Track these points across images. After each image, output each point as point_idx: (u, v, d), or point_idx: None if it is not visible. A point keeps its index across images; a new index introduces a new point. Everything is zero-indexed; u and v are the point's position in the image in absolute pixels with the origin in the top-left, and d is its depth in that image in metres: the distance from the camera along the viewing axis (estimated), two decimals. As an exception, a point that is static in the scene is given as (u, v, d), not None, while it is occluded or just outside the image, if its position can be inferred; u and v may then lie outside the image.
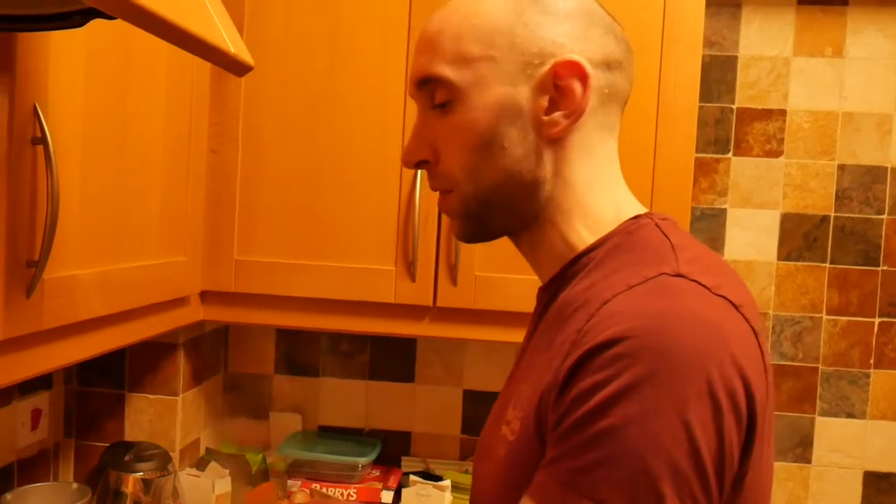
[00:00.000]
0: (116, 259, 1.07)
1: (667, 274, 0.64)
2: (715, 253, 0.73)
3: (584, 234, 0.72)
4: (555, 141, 0.71)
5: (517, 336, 1.43)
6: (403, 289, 1.36)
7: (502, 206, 0.73)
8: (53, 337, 0.94)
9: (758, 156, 1.71)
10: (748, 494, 0.63)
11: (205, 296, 1.40)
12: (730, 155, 1.71)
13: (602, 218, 0.72)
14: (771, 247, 1.71)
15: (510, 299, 1.34)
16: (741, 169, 1.72)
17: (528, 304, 1.33)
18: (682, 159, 1.35)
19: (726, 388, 0.58)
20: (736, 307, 0.63)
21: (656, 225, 0.71)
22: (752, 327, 0.64)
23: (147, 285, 1.16)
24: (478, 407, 1.69)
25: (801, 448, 1.70)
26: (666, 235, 0.69)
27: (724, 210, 1.72)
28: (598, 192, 0.73)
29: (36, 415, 1.40)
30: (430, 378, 1.71)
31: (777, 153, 1.71)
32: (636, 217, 0.72)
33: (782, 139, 1.71)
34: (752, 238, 1.71)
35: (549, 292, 0.75)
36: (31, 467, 1.41)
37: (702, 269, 0.65)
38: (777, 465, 1.71)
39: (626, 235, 0.70)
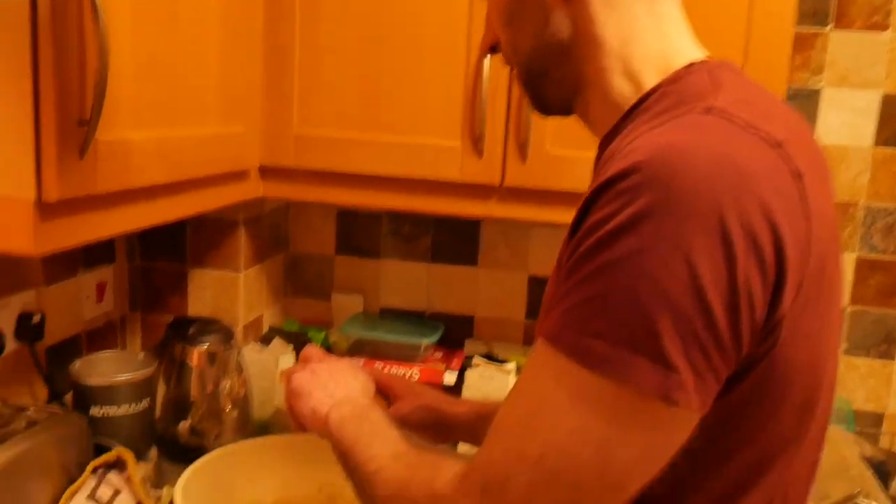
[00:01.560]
0: (172, 125, 1.03)
1: (696, 111, 0.60)
2: (776, 99, 0.67)
3: (626, 92, 0.69)
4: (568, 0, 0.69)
5: (589, 217, 1.37)
6: (470, 166, 1.29)
7: (542, 74, 0.74)
8: (110, 203, 0.91)
9: (860, 29, 1.55)
10: (787, 355, 0.59)
11: (264, 171, 1.36)
12: (828, 29, 1.56)
13: (646, 71, 0.68)
14: (867, 131, 1.57)
15: (583, 178, 1.26)
16: (840, 44, 1.56)
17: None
18: (780, 33, 1.22)
19: (744, 228, 0.54)
20: (773, 145, 0.58)
21: (709, 71, 0.66)
22: (791, 167, 0.58)
23: (204, 155, 1.12)
24: (543, 292, 1.64)
25: (887, 345, 1.61)
26: (715, 78, 0.64)
27: (819, 90, 1.58)
28: (639, 45, 0.68)
29: (101, 288, 1.41)
30: (494, 262, 1.66)
31: (882, 26, 1.54)
32: (689, 65, 0.67)
33: (889, 11, 1.54)
34: (847, 120, 1.58)
35: (601, 149, 0.73)
36: (99, 339, 1.43)
37: (739, 107, 0.60)
38: (859, 360, 1.63)
39: (672, 84, 0.66)
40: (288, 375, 0.92)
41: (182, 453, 1.35)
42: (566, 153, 1.27)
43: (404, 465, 0.70)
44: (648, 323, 0.54)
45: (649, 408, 0.56)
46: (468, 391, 1.50)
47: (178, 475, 1.08)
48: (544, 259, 1.64)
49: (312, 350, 0.97)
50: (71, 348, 1.35)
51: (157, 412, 1.38)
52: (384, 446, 0.74)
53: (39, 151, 0.79)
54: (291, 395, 0.89)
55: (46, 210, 0.81)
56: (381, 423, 0.78)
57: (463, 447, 1.14)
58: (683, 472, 0.60)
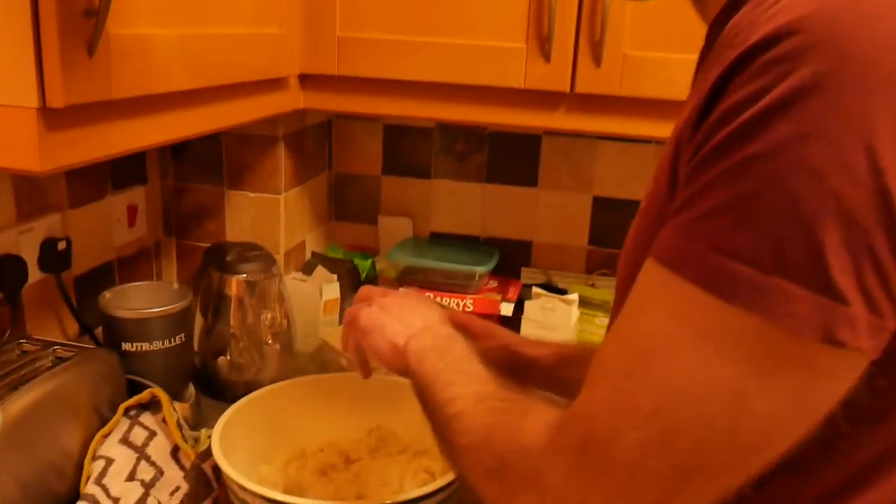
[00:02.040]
0: (200, 22, 0.89)
1: None
2: None
3: None
4: None
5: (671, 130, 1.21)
6: (535, 71, 1.13)
7: None
8: (128, 111, 0.78)
9: None
10: None
11: (305, 80, 1.22)
12: None
13: None
14: None
15: (666, 84, 1.10)
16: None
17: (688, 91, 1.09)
18: None
19: None
20: None
21: None
22: None
23: (236, 58, 0.98)
24: (609, 216, 1.50)
25: None
26: None
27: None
28: None
29: (132, 211, 1.30)
30: (555, 182, 1.51)
31: None
32: None
33: None
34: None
35: (714, 31, 0.55)
36: (132, 266, 1.33)
37: None
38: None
39: None
40: (353, 314, 0.80)
41: (221, 390, 1.26)
42: (647, 55, 1.10)
43: (488, 409, 0.58)
44: (809, 236, 0.41)
45: (805, 350, 0.42)
46: (527, 325, 1.37)
47: (217, 414, 0.99)
48: (611, 179, 1.48)
49: (369, 289, 0.85)
50: (101, 278, 1.25)
51: (195, 346, 1.29)
52: (467, 384, 0.62)
53: (40, 48, 0.66)
54: (362, 332, 0.78)
55: (52, 118, 0.69)
56: (466, 357, 0.67)
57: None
58: (834, 434, 0.47)
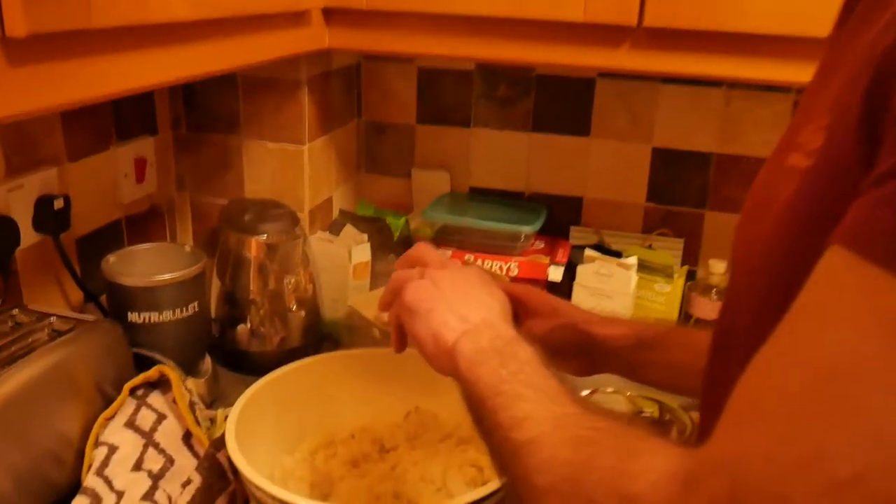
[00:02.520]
0: (201, -63, 0.74)
1: None
2: None
3: None
4: None
5: (758, 70, 1.04)
6: (596, 2, 0.97)
7: None
8: (115, 44, 0.65)
9: None
10: None
11: (330, 15, 1.07)
12: None
13: None
14: None
15: (754, 17, 0.93)
16: None
17: (783, 23, 0.92)
18: None
19: None
20: None
21: None
22: None
23: (249, -15, 0.84)
24: (670, 169, 1.34)
25: None
26: None
27: None
28: None
29: (140, 164, 1.17)
30: (610, 131, 1.35)
31: None
32: None
33: None
34: None
35: None
36: (143, 226, 1.21)
37: None
38: None
39: None
40: (399, 282, 0.66)
41: (241, 362, 1.15)
42: (730, -21, 0.93)
43: (572, 439, 0.45)
44: None
45: None
46: (579, 291, 1.23)
47: (237, 389, 0.87)
48: (674, 128, 1.32)
49: (427, 250, 0.71)
50: (108, 239, 1.13)
51: (212, 313, 1.17)
52: (539, 403, 0.49)
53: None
54: (405, 310, 0.64)
55: (15, 51, 0.55)
56: (534, 367, 0.54)
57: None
58: None
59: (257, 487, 0.70)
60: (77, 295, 1.07)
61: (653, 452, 0.40)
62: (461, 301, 0.61)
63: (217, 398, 1.06)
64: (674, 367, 0.74)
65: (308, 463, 0.84)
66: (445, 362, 0.58)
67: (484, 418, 0.52)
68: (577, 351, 0.77)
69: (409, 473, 0.82)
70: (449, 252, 1.31)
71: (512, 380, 0.52)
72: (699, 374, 0.70)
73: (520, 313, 0.79)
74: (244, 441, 0.78)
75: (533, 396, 0.49)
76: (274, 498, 0.68)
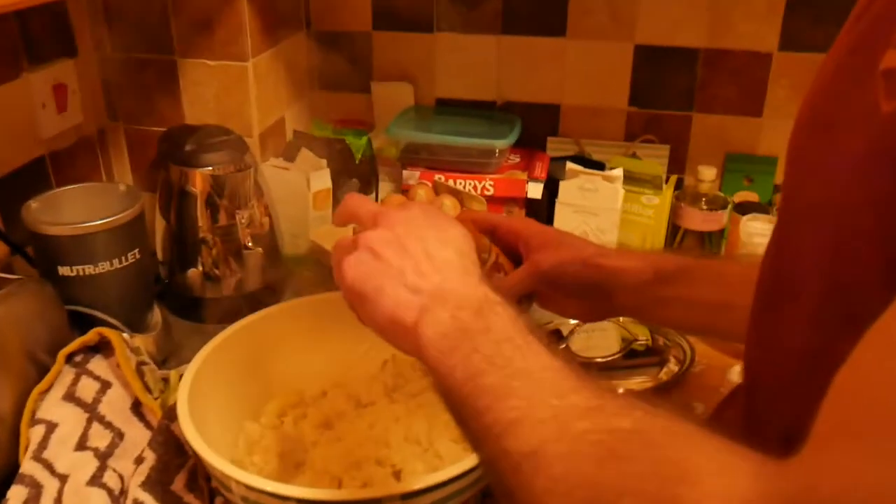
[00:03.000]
0: None
1: None
2: None
3: None
4: None
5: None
6: None
7: None
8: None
9: None
10: None
11: None
12: None
13: None
14: None
15: None
16: None
17: None
18: None
19: None
20: None
21: None
22: None
23: None
24: (654, 69, 1.22)
25: None
26: None
27: None
28: None
29: (60, 91, 1.02)
30: (588, 29, 1.22)
31: None
32: None
33: None
34: None
35: None
36: (72, 163, 1.07)
37: None
38: None
39: None
40: (337, 259, 0.52)
41: (195, 310, 1.04)
42: None
43: (592, 447, 0.35)
44: None
45: None
46: (563, 210, 1.13)
47: (194, 342, 0.77)
48: (659, 21, 1.19)
49: (356, 204, 0.56)
50: (31, 181, 0.99)
51: (159, 256, 1.05)
52: (534, 398, 0.39)
53: None
54: (352, 296, 0.51)
55: None
56: (516, 344, 0.42)
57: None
58: None
59: (215, 469, 0.60)
60: (0, 248, 0.94)
61: (713, 472, 0.30)
62: (411, 265, 0.48)
63: (171, 353, 0.96)
64: (698, 305, 0.65)
65: (276, 429, 0.75)
66: (411, 346, 0.46)
67: (467, 421, 0.41)
68: (586, 289, 0.67)
69: (390, 433, 0.73)
70: (416, 173, 1.19)
71: (491, 368, 0.41)
72: (729, 312, 0.62)
73: (522, 249, 0.69)
74: (200, 410, 0.68)
75: (522, 388, 0.39)
76: (235, 481, 0.59)
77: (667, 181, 1.17)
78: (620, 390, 0.87)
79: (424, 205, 0.54)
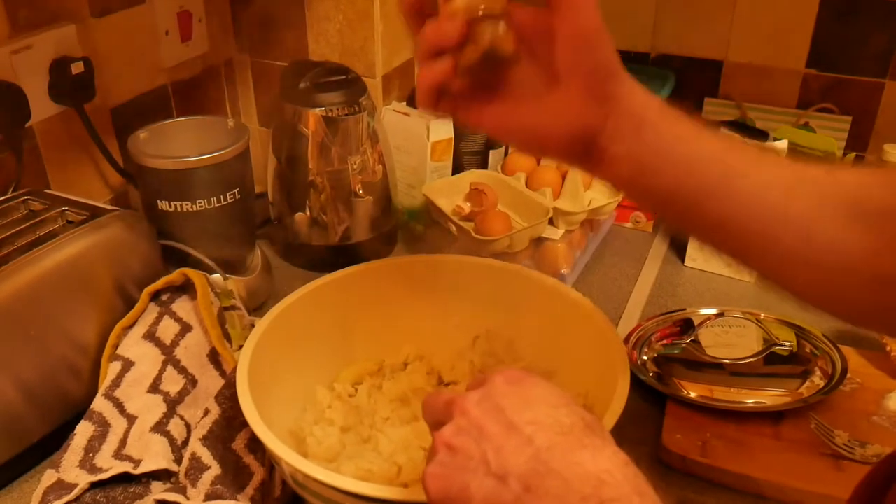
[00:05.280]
0: None
1: None
2: None
3: None
4: None
5: None
6: None
7: None
8: None
9: None
10: None
11: None
12: None
13: None
14: None
15: None
16: None
17: None
18: None
19: None
20: None
21: None
22: None
23: None
24: (843, 23, 1.04)
25: None
26: None
27: None
28: None
29: (185, 19, 1.00)
30: (766, -26, 1.05)
31: None
32: None
33: None
34: None
35: None
36: (195, 94, 1.05)
37: None
38: None
39: None
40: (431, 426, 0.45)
41: (300, 255, 1.00)
42: None
43: None
44: None
45: None
46: (711, 180, 0.99)
47: (295, 285, 0.72)
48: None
49: (432, 398, 0.46)
50: (152, 110, 0.98)
51: (269, 196, 1.02)
52: None
53: None
54: (429, 495, 0.41)
55: None
56: None
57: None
58: None
59: (264, 443, 0.55)
60: (115, 177, 0.94)
61: None
62: (492, 448, 0.39)
63: (270, 298, 0.92)
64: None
65: (347, 399, 0.69)
66: None
67: None
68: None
69: (468, 418, 0.65)
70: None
71: None
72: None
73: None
74: (268, 368, 0.64)
75: None
76: (284, 461, 0.53)
77: (843, 159, 1.00)
78: (751, 402, 0.75)
79: (505, 373, 0.44)
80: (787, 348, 0.82)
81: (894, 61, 1.02)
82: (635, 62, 1.16)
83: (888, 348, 0.79)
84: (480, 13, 0.47)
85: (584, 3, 0.46)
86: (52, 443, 0.69)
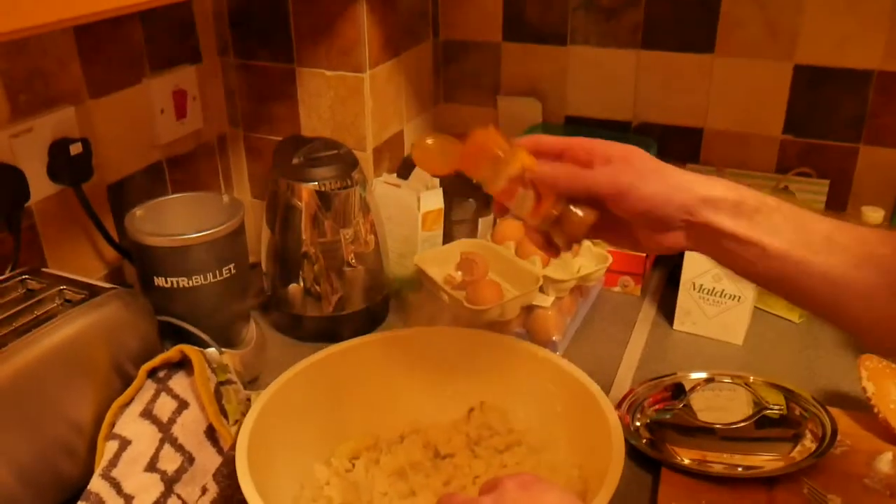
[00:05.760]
0: None
1: None
2: None
3: None
4: None
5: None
6: None
7: None
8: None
9: None
10: None
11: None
12: None
13: None
14: None
15: None
16: None
17: None
18: None
19: None
20: None
21: None
22: None
23: None
24: (817, 92, 1.08)
25: None
26: None
27: None
28: None
29: (180, 98, 1.02)
30: (740, 46, 1.09)
31: None
32: None
33: None
34: None
35: None
36: (190, 169, 1.08)
37: None
38: None
39: None
40: None
41: (295, 326, 1.01)
42: None
43: None
44: None
45: None
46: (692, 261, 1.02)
47: (290, 359, 0.73)
48: (826, 37, 1.05)
49: (447, 499, 0.51)
50: (147, 186, 1.00)
51: (263, 268, 1.03)
52: None
53: None
54: None
55: None
56: None
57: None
58: None
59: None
60: (111, 253, 0.95)
61: None
62: None
63: (264, 371, 0.93)
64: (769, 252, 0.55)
65: (344, 474, 0.70)
66: None
67: None
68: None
69: (466, 491, 0.66)
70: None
71: None
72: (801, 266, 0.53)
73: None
74: (266, 444, 0.64)
75: None
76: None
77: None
78: (741, 468, 0.75)
79: (518, 477, 0.47)
80: (777, 411, 0.83)
81: (867, 127, 1.06)
82: (618, 130, 1.20)
83: (875, 409, 0.80)
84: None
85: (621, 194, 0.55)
86: (48, 526, 0.69)
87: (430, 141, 0.65)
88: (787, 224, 0.54)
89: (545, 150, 0.60)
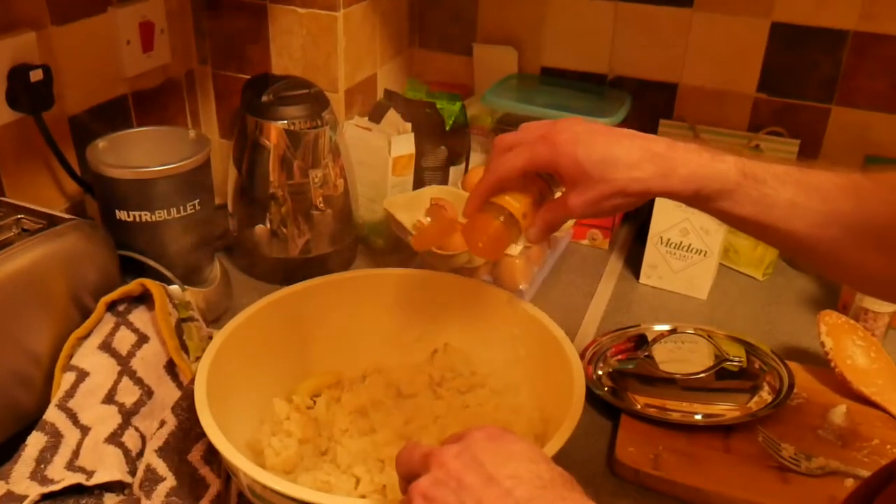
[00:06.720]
0: None
1: None
2: None
3: None
4: None
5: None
6: None
7: None
8: None
9: None
10: None
11: None
12: None
13: None
14: None
15: None
16: None
17: None
18: None
19: None
20: None
21: None
22: None
23: None
24: (792, 51, 1.07)
25: None
26: None
27: None
28: None
29: (146, 29, 0.99)
30: (719, 1, 1.08)
31: None
32: None
33: None
34: None
35: None
36: (156, 104, 1.05)
37: None
38: None
39: None
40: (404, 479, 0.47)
41: (260, 268, 1.00)
42: None
43: None
44: None
45: None
46: (663, 203, 1.01)
47: (254, 299, 0.72)
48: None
49: (407, 450, 0.48)
50: (111, 119, 0.97)
51: (229, 208, 1.02)
52: None
53: None
54: None
55: None
56: None
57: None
58: None
59: (221, 453, 0.55)
60: (72, 186, 0.93)
61: None
62: (472, 499, 0.40)
63: (228, 310, 0.92)
64: (739, 222, 0.60)
65: (305, 411, 0.69)
66: None
67: None
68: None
69: (425, 433, 0.66)
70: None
71: None
72: (770, 234, 0.58)
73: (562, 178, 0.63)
74: (226, 380, 0.64)
75: None
76: (241, 471, 0.53)
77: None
78: (699, 416, 0.77)
79: (485, 429, 0.46)
80: (737, 364, 0.84)
81: (839, 88, 1.07)
82: (593, 83, 1.19)
83: (832, 364, 0.82)
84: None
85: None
86: (1, 454, 0.68)
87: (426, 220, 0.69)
88: (748, 200, 0.57)
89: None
